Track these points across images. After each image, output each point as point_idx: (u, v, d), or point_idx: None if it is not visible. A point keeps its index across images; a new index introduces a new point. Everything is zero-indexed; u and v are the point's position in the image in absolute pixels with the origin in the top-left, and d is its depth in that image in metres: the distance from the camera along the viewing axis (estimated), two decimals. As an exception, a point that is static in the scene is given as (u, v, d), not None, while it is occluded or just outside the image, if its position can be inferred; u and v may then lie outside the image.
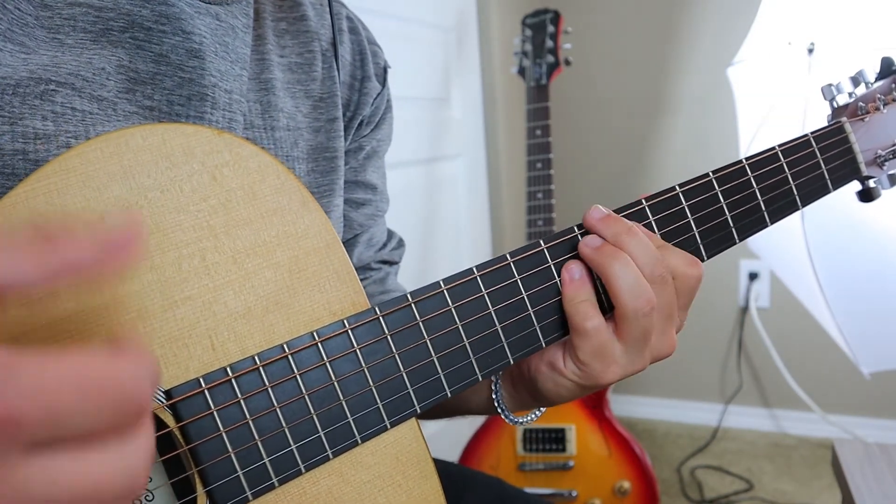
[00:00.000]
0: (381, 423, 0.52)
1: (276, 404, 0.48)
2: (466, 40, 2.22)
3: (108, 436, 0.29)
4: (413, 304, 0.53)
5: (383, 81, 0.80)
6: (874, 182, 0.75)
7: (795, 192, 0.68)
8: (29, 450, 0.27)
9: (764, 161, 0.67)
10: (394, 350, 0.52)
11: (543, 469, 1.77)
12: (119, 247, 0.31)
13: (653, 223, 0.62)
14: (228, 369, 0.47)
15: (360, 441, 0.51)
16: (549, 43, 1.88)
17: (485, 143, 2.35)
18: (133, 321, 0.45)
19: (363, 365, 0.51)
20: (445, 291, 0.54)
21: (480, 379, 0.55)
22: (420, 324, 0.53)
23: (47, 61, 0.50)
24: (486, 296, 0.55)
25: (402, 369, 0.52)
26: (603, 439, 1.76)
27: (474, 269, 0.55)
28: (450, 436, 2.05)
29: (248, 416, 0.47)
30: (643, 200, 0.62)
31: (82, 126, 0.51)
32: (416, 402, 0.53)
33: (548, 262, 0.58)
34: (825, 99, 0.74)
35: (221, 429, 0.46)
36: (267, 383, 0.48)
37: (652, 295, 0.55)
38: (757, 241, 1.78)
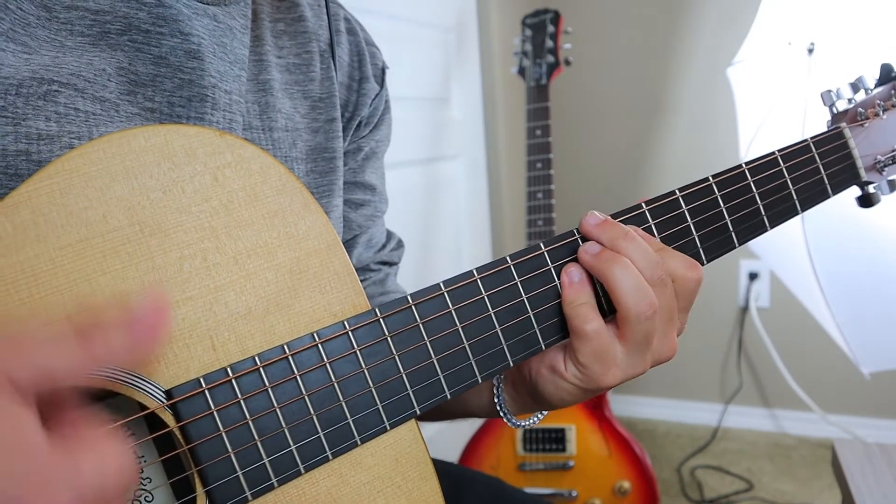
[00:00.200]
0: (380, 424, 0.52)
1: (276, 405, 0.48)
2: (466, 40, 2.22)
3: None
4: (413, 306, 0.53)
5: (381, 82, 0.80)
6: (874, 187, 0.75)
7: (795, 197, 0.68)
8: None
9: (763, 166, 0.67)
10: (394, 351, 0.52)
11: (543, 469, 1.77)
12: (148, 333, 0.37)
13: (653, 227, 0.62)
14: (229, 369, 0.47)
15: (359, 442, 0.51)
16: (549, 43, 1.88)
17: (485, 143, 2.35)
18: (134, 321, 0.45)
19: (363, 366, 0.51)
20: (446, 293, 0.54)
21: (480, 381, 0.56)
22: (420, 325, 0.53)
23: (49, 62, 0.50)
24: (486, 298, 0.56)
25: (402, 371, 0.52)
26: (603, 439, 1.76)
27: (475, 272, 0.55)
28: (450, 436, 2.05)
29: (248, 417, 0.47)
30: (643, 204, 0.62)
31: (85, 127, 0.51)
32: (415, 404, 0.53)
33: (548, 265, 0.58)
34: (825, 105, 0.74)
35: (221, 429, 0.46)
36: (267, 384, 0.48)
37: (654, 298, 0.55)
38: (757, 241, 1.77)
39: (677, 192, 0.63)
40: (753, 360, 2.50)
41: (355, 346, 0.51)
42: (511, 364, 0.57)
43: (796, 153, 0.69)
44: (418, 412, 0.53)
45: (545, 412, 0.67)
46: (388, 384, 0.52)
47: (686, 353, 2.52)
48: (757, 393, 2.52)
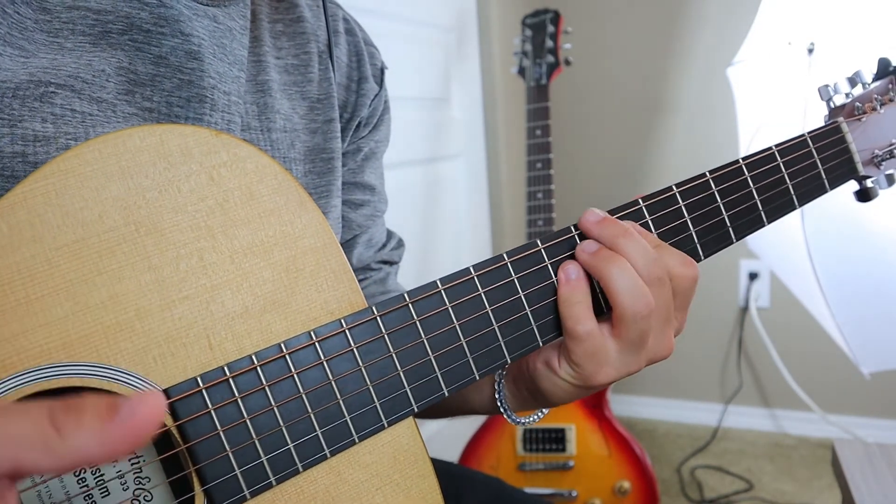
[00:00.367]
0: (378, 422, 0.52)
1: (273, 403, 0.48)
2: (466, 40, 2.22)
3: None
4: (410, 304, 0.53)
5: (381, 82, 0.80)
6: (871, 182, 0.75)
7: (792, 192, 0.68)
8: None
9: (761, 161, 0.67)
10: (391, 349, 0.52)
11: (543, 469, 1.77)
12: (126, 440, 0.33)
13: (650, 223, 0.62)
14: (226, 368, 0.47)
15: (357, 440, 0.51)
16: (549, 43, 1.88)
17: (485, 143, 2.35)
18: (131, 320, 0.45)
19: (360, 364, 0.51)
20: (443, 291, 0.54)
21: (478, 378, 0.56)
22: (417, 323, 0.53)
23: (47, 64, 0.51)
24: (483, 295, 0.56)
25: (399, 369, 0.53)
26: (603, 439, 1.76)
27: (471, 269, 0.55)
28: (449, 436, 2.05)
29: (245, 416, 0.47)
30: (640, 200, 0.62)
31: (82, 128, 0.52)
32: (413, 402, 0.53)
33: (545, 262, 0.58)
34: (822, 99, 0.74)
35: (219, 428, 0.46)
36: (264, 382, 0.48)
37: (650, 298, 0.55)
38: (757, 241, 1.78)
39: (674, 187, 0.63)
40: (753, 360, 2.50)
41: (352, 344, 0.51)
42: (508, 361, 0.57)
43: (793, 148, 0.69)
44: (416, 410, 0.53)
45: (545, 410, 0.67)
46: (385, 382, 0.52)
47: (686, 352, 2.52)
48: (757, 393, 2.52)
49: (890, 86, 0.75)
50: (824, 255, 1.54)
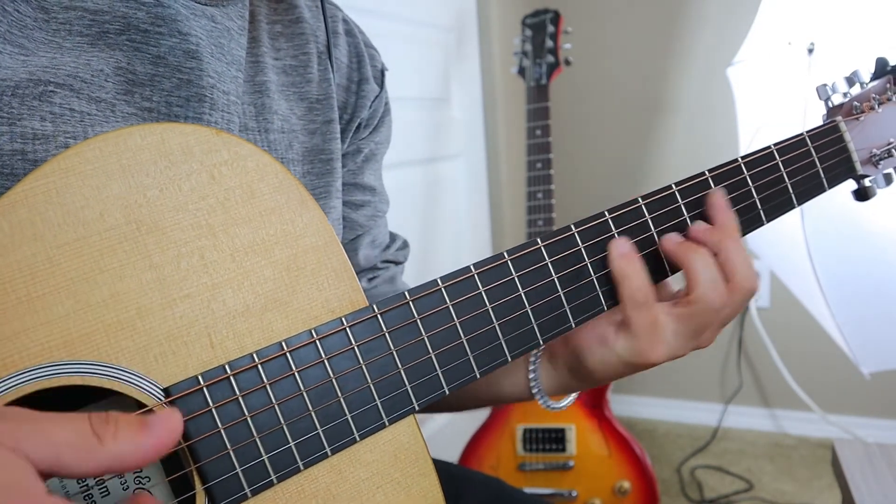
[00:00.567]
0: (379, 420, 0.52)
1: (274, 402, 0.48)
2: (466, 40, 2.22)
3: None
4: (411, 302, 0.53)
5: (381, 84, 0.80)
6: (869, 181, 0.75)
7: (791, 191, 0.69)
8: None
9: (760, 160, 0.67)
10: (392, 347, 0.52)
11: (543, 469, 1.77)
12: (156, 447, 0.38)
13: (649, 221, 0.62)
14: (227, 367, 0.47)
15: (358, 438, 0.51)
16: (549, 43, 1.88)
17: (485, 143, 2.35)
18: (132, 319, 0.45)
19: (361, 362, 0.51)
20: (443, 289, 0.54)
21: (479, 376, 0.56)
22: (418, 321, 0.53)
23: (46, 63, 0.51)
24: (483, 293, 0.56)
25: (399, 367, 0.53)
26: (603, 439, 1.76)
27: (471, 267, 0.56)
28: (449, 435, 2.06)
29: (246, 414, 0.47)
30: (639, 199, 0.62)
31: (81, 127, 0.52)
32: (413, 400, 0.53)
33: (545, 260, 0.58)
34: (820, 98, 0.75)
35: (220, 426, 0.46)
36: (265, 381, 0.48)
37: (726, 294, 0.59)
38: (757, 240, 1.78)
39: (673, 186, 0.63)
40: (753, 360, 2.50)
41: (353, 343, 0.51)
42: (509, 359, 0.57)
43: (792, 147, 0.69)
44: (416, 408, 0.53)
45: (576, 393, 0.68)
46: (386, 380, 0.52)
47: (686, 353, 2.52)
48: (757, 393, 2.52)
49: (888, 85, 0.75)
50: (824, 255, 1.54)
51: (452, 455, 1.89)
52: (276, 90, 0.68)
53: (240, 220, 0.50)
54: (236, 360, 0.48)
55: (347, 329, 0.51)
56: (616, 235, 0.61)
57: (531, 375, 0.66)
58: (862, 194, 0.76)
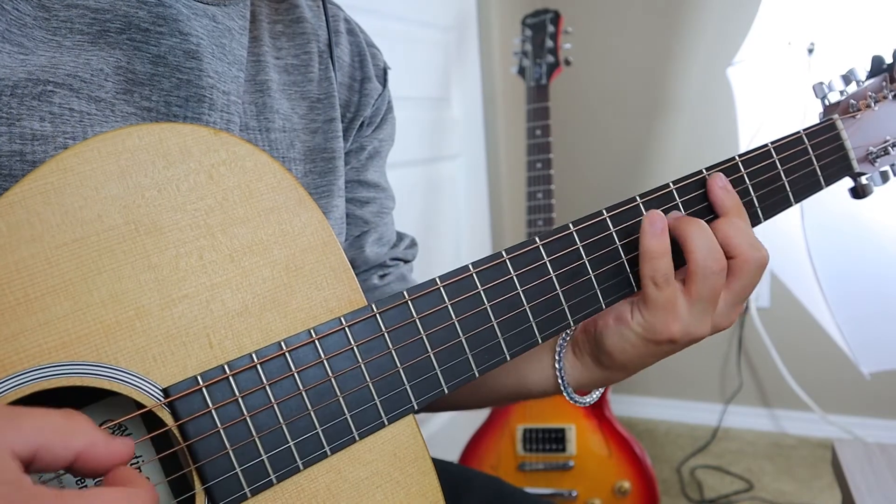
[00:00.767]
0: (378, 419, 0.52)
1: (273, 401, 0.48)
2: (466, 40, 2.22)
3: None
4: (409, 301, 0.53)
5: (384, 82, 0.80)
6: (866, 179, 0.76)
7: (788, 189, 0.69)
8: None
9: (757, 158, 0.67)
10: (390, 347, 0.52)
11: (543, 469, 1.77)
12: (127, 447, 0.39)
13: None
14: (226, 367, 0.47)
15: (357, 438, 0.51)
16: (549, 43, 1.88)
17: (485, 143, 2.35)
18: (131, 319, 0.45)
19: (360, 362, 0.51)
20: (442, 288, 0.54)
21: (478, 375, 0.56)
22: (417, 320, 0.53)
23: (45, 62, 0.51)
24: (481, 292, 0.56)
25: (399, 366, 0.53)
26: (603, 439, 1.76)
27: (470, 266, 0.56)
28: (449, 435, 2.06)
29: (245, 414, 0.47)
30: (637, 198, 0.62)
31: (80, 127, 0.51)
32: (413, 399, 0.53)
33: (543, 259, 0.58)
34: (817, 97, 0.75)
35: (219, 426, 0.46)
36: (264, 381, 0.48)
37: (723, 258, 0.60)
38: (756, 240, 1.78)
39: (671, 184, 0.63)
40: (753, 360, 2.50)
41: (352, 342, 0.51)
42: (508, 358, 0.57)
43: (789, 145, 0.69)
44: (416, 407, 0.53)
45: (600, 391, 0.69)
46: (385, 379, 0.52)
47: (686, 352, 2.50)
48: (757, 393, 2.52)
49: (884, 83, 0.75)
50: (824, 255, 1.54)
51: (452, 455, 1.89)
52: (277, 89, 0.68)
53: (238, 220, 0.50)
54: (235, 361, 0.48)
55: (346, 329, 0.51)
56: (614, 234, 0.61)
57: (557, 366, 0.67)
58: (858, 192, 0.76)
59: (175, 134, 0.48)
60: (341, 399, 0.51)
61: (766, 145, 0.68)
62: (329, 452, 0.50)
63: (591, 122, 2.54)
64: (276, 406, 0.48)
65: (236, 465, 0.47)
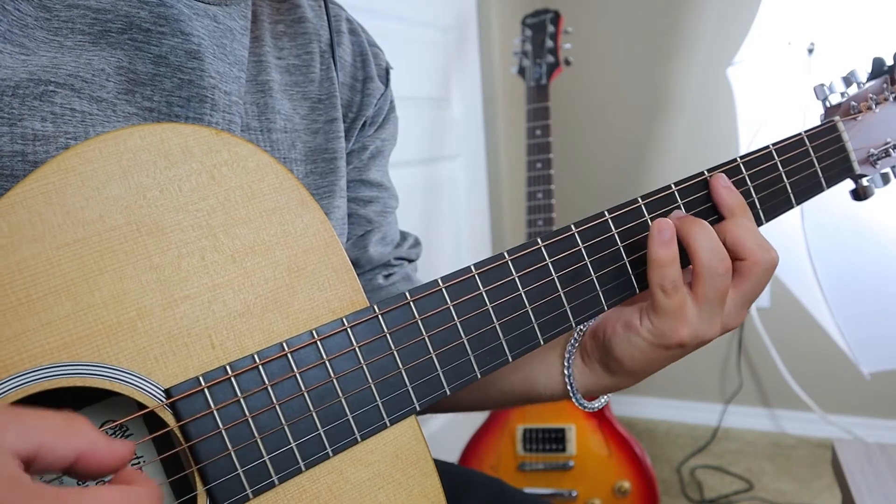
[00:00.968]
0: (380, 420, 0.52)
1: (275, 402, 0.48)
2: (466, 40, 2.22)
3: None
4: (412, 302, 0.53)
5: (386, 82, 0.80)
6: (867, 180, 0.75)
7: (789, 190, 0.69)
8: None
9: (758, 159, 0.67)
10: (392, 348, 0.52)
11: (543, 469, 1.77)
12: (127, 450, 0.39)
13: (648, 221, 0.62)
14: (228, 367, 0.47)
15: (359, 439, 0.51)
16: (549, 43, 1.88)
17: (485, 143, 2.35)
18: (132, 320, 0.45)
19: (362, 363, 0.51)
20: (444, 289, 0.54)
21: (479, 377, 0.56)
22: (419, 321, 0.53)
23: (47, 62, 0.50)
24: (483, 293, 0.56)
25: (401, 367, 0.53)
26: (603, 439, 1.76)
27: (472, 268, 0.55)
28: (450, 436, 2.05)
29: (247, 415, 0.47)
30: (639, 199, 0.62)
31: (82, 127, 0.51)
32: (415, 400, 0.53)
33: (545, 260, 0.58)
34: (818, 99, 0.75)
35: (221, 427, 0.46)
36: (266, 382, 0.48)
37: (728, 259, 0.59)
38: (756, 240, 1.78)
39: (672, 186, 0.63)
40: (753, 360, 2.50)
41: (354, 343, 0.51)
42: (510, 360, 0.57)
43: (790, 147, 0.69)
44: (418, 408, 0.53)
45: (609, 396, 0.69)
46: (387, 380, 0.52)
47: (686, 352, 2.51)
48: (757, 393, 2.52)
49: (885, 85, 0.75)
50: (824, 255, 1.55)
51: (452, 455, 1.89)
52: (278, 90, 0.68)
53: (240, 220, 0.49)
54: (237, 361, 0.47)
55: (348, 329, 0.51)
56: (616, 235, 0.61)
57: (566, 372, 0.67)
58: (859, 194, 0.76)
59: (177, 134, 0.48)
60: (343, 400, 0.50)
61: (767, 147, 0.68)
62: (331, 453, 0.50)
63: (591, 122, 2.54)
64: (278, 407, 0.48)
65: (238, 466, 0.47)
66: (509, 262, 0.57)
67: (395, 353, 0.52)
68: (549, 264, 0.58)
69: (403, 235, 0.87)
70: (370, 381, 0.51)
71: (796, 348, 2.38)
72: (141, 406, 0.45)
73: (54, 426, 0.37)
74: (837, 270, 1.56)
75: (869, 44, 1.43)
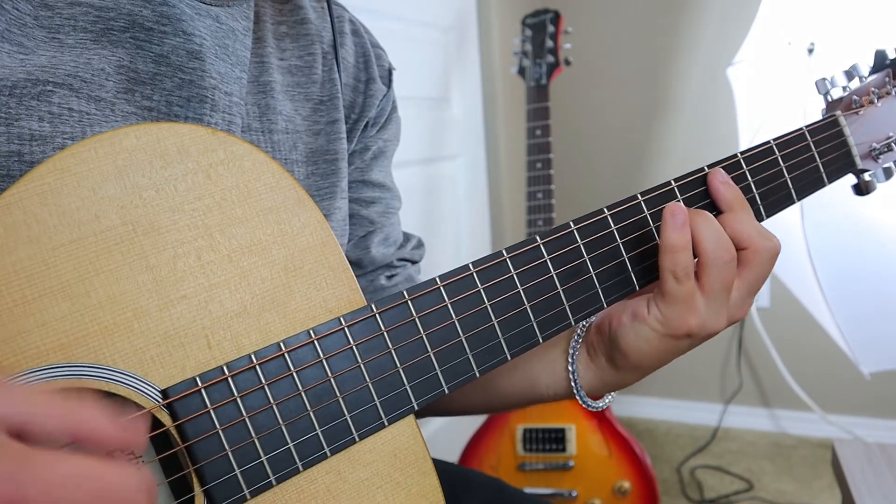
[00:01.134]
0: (378, 420, 0.52)
1: (272, 402, 0.48)
2: (466, 40, 2.22)
3: None
4: (409, 301, 0.53)
5: (389, 83, 0.80)
6: (869, 175, 0.75)
7: (791, 186, 0.68)
8: None
9: (759, 154, 0.67)
10: (390, 346, 0.52)
11: (543, 469, 1.77)
12: (131, 432, 0.38)
13: (648, 217, 0.62)
14: (225, 368, 0.47)
15: (357, 439, 0.51)
16: (549, 43, 1.88)
17: (485, 143, 2.35)
18: (129, 321, 0.45)
19: (360, 362, 0.51)
20: (441, 287, 0.54)
21: (478, 375, 0.55)
22: (416, 320, 0.53)
23: (45, 62, 0.50)
24: (482, 291, 0.55)
25: (398, 366, 0.52)
26: (603, 439, 1.75)
27: (470, 266, 0.55)
28: (449, 436, 2.05)
29: (244, 415, 0.47)
30: (638, 195, 0.62)
31: (79, 127, 0.51)
32: (413, 399, 0.53)
33: (544, 258, 0.58)
34: (819, 93, 0.75)
35: (218, 427, 0.46)
36: (263, 381, 0.48)
37: (732, 248, 0.59)
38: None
39: (672, 182, 0.63)
40: (753, 360, 2.49)
41: (351, 342, 0.51)
42: (508, 358, 0.57)
43: (792, 141, 0.69)
44: (416, 407, 0.53)
45: (613, 395, 0.68)
46: (384, 379, 0.52)
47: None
48: (757, 393, 2.52)
49: (887, 79, 0.75)
50: (824, 255, 1.54)
51: (452, 455, 1.89)
52: (280, 90, 0.68)
53: (236, 220, 0.49)
54: (234, 361, 0.47)
55: (346, 329, 0.51)
56: (615, 231, 0.61)
57: (570, 368, 0.66)
58: (861, 189, 0.76)
59: (173, 134, 0.48)
60: (341, 399, 0.50)
61: (768, 142, 0.68)
62: (329, 453, 0.50)
63: (591, 122, 2.54)
64: (275, 407, 0.48)
65: (235, 467, 0.47)
66: (507, 260, 0.57)
67: (393, 351, 0.52)
68: (548, 261, 0.58)
69: (407, 237, 0.86)
70: (368, 380, 0.51)
71: (796, 348, 2.38)
72: (139, 407, 0.45)
73: (47, 400, 0.36)
74: (838, 270, 1.55)
75: (869, 44, 1.42)
